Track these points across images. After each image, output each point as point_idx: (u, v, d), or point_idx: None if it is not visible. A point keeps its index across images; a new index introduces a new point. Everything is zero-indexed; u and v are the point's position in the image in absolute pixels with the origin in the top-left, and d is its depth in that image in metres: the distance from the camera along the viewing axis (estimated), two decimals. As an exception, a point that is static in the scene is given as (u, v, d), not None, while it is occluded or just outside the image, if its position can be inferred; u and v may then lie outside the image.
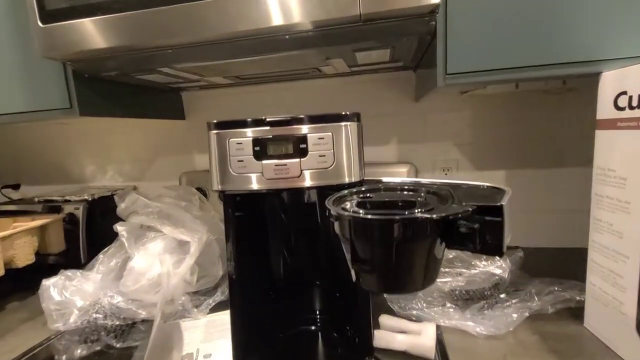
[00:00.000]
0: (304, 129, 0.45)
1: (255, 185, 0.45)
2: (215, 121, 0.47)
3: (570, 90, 0.88)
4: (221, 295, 0.80)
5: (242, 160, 0.45)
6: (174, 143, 1.11)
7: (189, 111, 1.08)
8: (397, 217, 0.31)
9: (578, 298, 0.66)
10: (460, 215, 0.32)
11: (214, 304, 0.79)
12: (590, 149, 0.62)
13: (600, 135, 0.63)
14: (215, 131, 0.46)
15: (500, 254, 0.33)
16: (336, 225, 0.36)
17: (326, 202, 0.38)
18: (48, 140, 1.20)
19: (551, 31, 0.57)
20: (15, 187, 1.23)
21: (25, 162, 1.23)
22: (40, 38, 0.63)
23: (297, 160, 0.44)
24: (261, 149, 0.45)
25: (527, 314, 0.64)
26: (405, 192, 0.41)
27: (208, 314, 0.76)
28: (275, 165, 0.44)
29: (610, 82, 0.60)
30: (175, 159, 1.11)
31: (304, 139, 0.44)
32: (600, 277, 0.60)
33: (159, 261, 0.77)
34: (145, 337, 0.68)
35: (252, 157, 0.45)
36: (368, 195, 0.41)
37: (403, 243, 0.32)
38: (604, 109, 0.62)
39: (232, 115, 0.50)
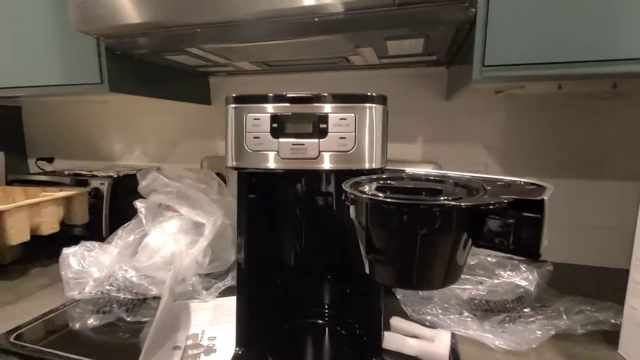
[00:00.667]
0: (326, 107, 0.41)
1: (270, 164, 0.42)
2: (234, 95, 0.44)
3: (619, 95, 0.80)
4: (232, 280, 0.78)
5: (258, 137, 0.42)
6: (199, 127, 1.10)
7: (215, 96, 1.07)
8: (420, 203, 0.27)
9: (613, 321, 0.59)
10: (492, 207, 0.27)
11: (223, 287, 0.77)
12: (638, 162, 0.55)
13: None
14: (233, 105, 0.44)
15: (537, 256, 0.28)
16: (352, 209, 0.32)
17: (342, 185, 0.35)
18: (82, 118, 1.23)
19: (605, 23, 0.50)
20: (50, 160, 1.26)
21: (61, 138, 1.27)
22: (75, 12, 0.63)
23: (316, 140, 0.41)
24: (279, 126, 0.42)
25: (552, 332, 0.58)
26: (430, 182, 0.37)
27: (217, 297, 0.74)
28: (293, 144, 0.41)
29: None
30: (198, 143, 1.11)
31: (324, 118, 0.41)
32: (643, 300, 0.53)
33: (174, 240, 0.76)
34: (155, 313, 0.67)
35: (269, 134, 0.42)
36: (389, 182, 0.37)
37: (425, 233, 0.28)
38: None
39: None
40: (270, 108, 0.42)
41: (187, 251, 0.75)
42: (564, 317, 0.60)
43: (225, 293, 0.75)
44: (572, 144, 0.85)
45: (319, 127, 0.41)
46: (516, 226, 0.28)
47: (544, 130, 0.87)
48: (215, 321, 0.65)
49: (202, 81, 1.05)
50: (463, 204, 0.27)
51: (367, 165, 0.42)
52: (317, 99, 0.41)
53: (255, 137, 0.42)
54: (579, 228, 0.88)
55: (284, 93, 0.42)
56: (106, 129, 1.22)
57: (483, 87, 0.83)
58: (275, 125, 0.42)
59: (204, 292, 0.74)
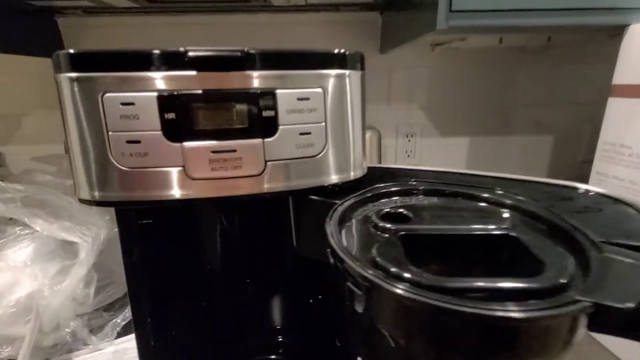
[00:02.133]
0: (270, 78, 0.21)
1: (170, 192, 0.21)
2: (71, 51, 0.21)
3: (547, 49, 0.75)
4: (135, 311, 0.55)
5: (138, 142, 0.20)
6: (55, 93, 0.75)
7: (71, 47, 0.72)
8: (528, 317, 0.12)
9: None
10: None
11: (124, 322, 0.54)
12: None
13: (615, 104, 0.50)
14: (71, 74, 0.20)
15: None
16: (357, 296, 0.15)
17: (329, 239, 0.17)
18: None
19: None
20: None
21: None
22: None
23: (257, 141, 0.21)
24: (180, 117, 0.20)
25: None
26: (475, 213, 0.22)
27: (116, 338, 0.52)
28: (212, 152, 0.21)
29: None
30: (57, 115, 0.76)
31: (270, 99, 0.21)
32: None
33: (29, 275, 0.49)
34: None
35: (161, 133, 0.20)
36: (401, 210, 0.21)
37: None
38: (626, 72, 0.48)
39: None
40: (157, 80, 0.20)
41: (55, 287, 0.50)
42: None
43: (128, 329, 0.53)
44: (505, 101, 0.80)
45: (260, 117, 0.21)
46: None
47: (478, 87, 0.79)
48: (117, 383, 0.44)
49: (46, 23, 0.69)
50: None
51: (351, 174, 0.24)
52: (252, 60, 0.21)
53: (131, 142, 0.20)
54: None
55: (182, 49, 0.20)
56: None
57: (430, 39, 0.69)
58: (171, 116, 0.20)
59: (93, 337, 0.51)
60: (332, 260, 0.17)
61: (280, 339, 0.45)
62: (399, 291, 0.14)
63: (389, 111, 0.80)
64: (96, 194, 0.21)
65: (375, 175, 0.28)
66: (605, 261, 0.15)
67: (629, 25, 0.47)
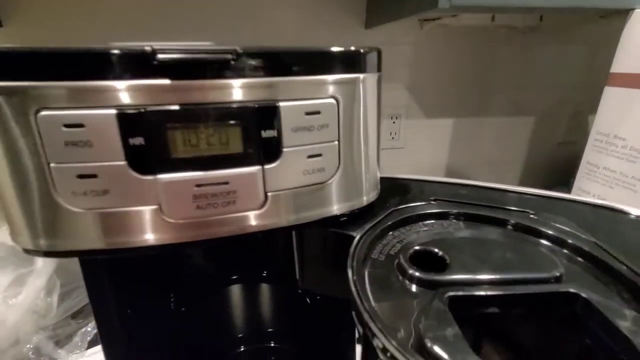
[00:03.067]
0: (270, 88, 0.16)
1: (142, 237, 0.16)
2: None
3: (537, 28, 0.72)
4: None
5: (93, 176, 0.15)
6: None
7: (6, 13, 0.59)
8: None
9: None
10: None
11: (95, 330, 0.49)
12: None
13: (612, 94, 0.48)
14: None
15: None
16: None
17: (354, 294, 0.13)
18: None
19: None
20: None
21: None
22: None
23: (256, 169, 0.16)
24: (151, 142, 0.15)
25: None
26: (504, 242, 0.18)
27: (87, 349, 0.47)
28: (197, 185, 0.16)
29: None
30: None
31: (271, 114, 0.16)
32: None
33: (-24, 289, 0.42)
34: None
35: (126, 164, 0.15)
36: (431, 249, 0.17)
37: None
38: (627, 61, 0.46)
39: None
40: (116, 92, 0.14)
41: (11, 300, 0.43)
42: None
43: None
44: (492, 81, 0.77)
45: (259, 138, 0.16)
46: None
47: (465, 66, 0.76)
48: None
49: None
50: None
51: (364, 199, 0.20)
52: (246, 63, 0.15)
53: (84, 177, 0.15)
54: (514, 164, 0.87)
55: (149, 48, 0.14)
56: None
57: (422, 16, 0.64)
58: (138, 141, 0.14)
59: (60, 350, 0.46)
60: (363, 330, 0.14)
61: (271, 345, 0.42)
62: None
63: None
64: (42, 242, 0.16)
65: (383, 189, 0.24)
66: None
67: (633, 9, 0.44)
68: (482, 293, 0.14)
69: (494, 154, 0.85)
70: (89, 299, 0.22)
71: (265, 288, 0.38)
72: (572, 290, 0.14)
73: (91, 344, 0.47)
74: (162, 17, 0.58)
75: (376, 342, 0.13)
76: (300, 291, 0.34)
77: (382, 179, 0.25)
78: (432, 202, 0.22)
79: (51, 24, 0.57)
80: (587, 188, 0.51)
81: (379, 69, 0.20)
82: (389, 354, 0.12)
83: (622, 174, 0.47)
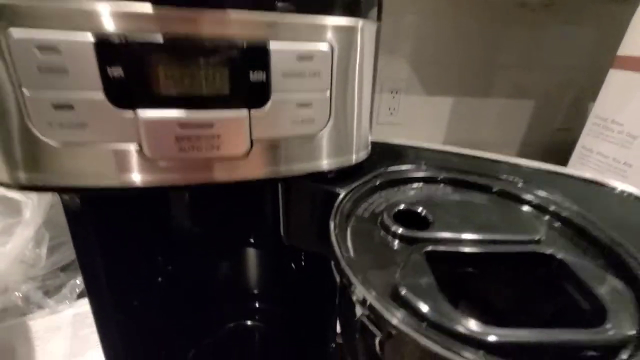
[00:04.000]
0: (260, 26, 0.15)
1: (122, 177, 0.16)
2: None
3: (548, 6, 0.69)
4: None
5: (69, 107, 0.14)
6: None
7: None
8: None
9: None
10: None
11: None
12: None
13: (616, 77, 0.47)
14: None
15: None
16: (376, 342, 0.12)
17: (335, 247, 0.13)
18: None
19: None
20: None
21: None
22: None
23: (242, 113, 0.16)
24: (131, 75, 0.14)
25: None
26: (490, 207, 0.18)
27: (77, 299, 0.48)
28: (181, 126, 0.15)
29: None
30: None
31: (260, 55, 0.15)
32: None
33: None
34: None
35: (104, 96, 0.14)
36: (416, 208, 0.17)
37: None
38: (636, 43, 0.45)
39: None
40: (94, 14, 0.13)
41: (2, 249, 0.43)
42: None
43: (90, 290, 0.49)
44: (500, 60, 0.76)
45: (247, 81, 0.15)
46: None
47: (469, 42, 0.73)
48: (79, 348, 0.41)
49: None
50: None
51: (353, 157, 0.19)
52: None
53: (60, 107, 0.14)
54: (510, 147, 0.86)
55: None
56: None
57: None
58: (117, 72, 0.14)
59: (49, 300, 0.46)
60: (340, 280, 0.14)
61: (257, 305, 0.43)
62: (438, 349, 0.10)
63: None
64: (21, 175, 0.15)
65: (375, 152, 0.23)
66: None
67: (649, -12, 0.42)
68: (461, 249, 0.14)
69: (491, 136, 0.84)
70: (74, 247, 0.22)
71: (251, 252, 0.38)
72: (549, 252, 0.14)
73: (80, 296, 0.48)
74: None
75: (353, 290, 0.13)
76: (285, 254, 0.35)
77: (375, 143, 0.24)
78: (423, 167, 0.21)
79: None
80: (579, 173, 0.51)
81: (379, 18, 0.18)
82: (357, 299, 0.12)
83: (614, 159, 0.47)
